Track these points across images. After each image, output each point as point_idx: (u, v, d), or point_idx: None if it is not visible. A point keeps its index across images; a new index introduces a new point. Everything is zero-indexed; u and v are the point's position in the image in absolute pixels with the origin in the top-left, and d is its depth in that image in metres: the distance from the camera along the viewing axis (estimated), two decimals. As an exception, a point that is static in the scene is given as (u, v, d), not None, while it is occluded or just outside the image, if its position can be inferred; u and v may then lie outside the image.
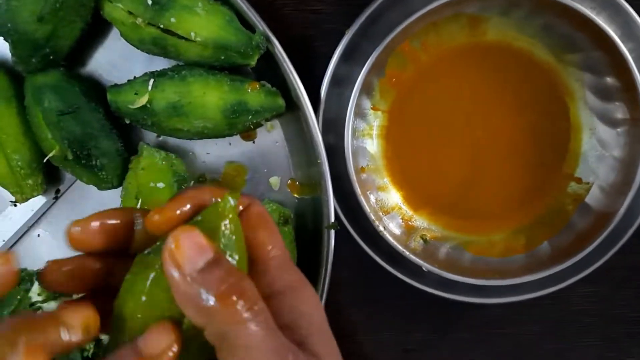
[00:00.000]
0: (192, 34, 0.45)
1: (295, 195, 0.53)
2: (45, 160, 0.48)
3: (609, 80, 0.48)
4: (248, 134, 0.52)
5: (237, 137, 0.52)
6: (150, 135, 0.51)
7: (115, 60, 0.51)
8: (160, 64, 0.49)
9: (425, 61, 0.50)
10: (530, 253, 0.50)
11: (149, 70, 0.49)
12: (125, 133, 0.50)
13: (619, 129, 0.49)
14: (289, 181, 0.53)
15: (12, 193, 0.49)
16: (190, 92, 0.46)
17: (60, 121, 0.46)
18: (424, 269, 0.48)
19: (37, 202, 0.51)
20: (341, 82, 0.50)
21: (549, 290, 0.52)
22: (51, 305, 0.51)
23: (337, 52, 0.49)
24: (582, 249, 0.48)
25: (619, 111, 0.49)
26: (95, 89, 0.50)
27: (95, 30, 0.49)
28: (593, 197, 0.50)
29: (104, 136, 0.47)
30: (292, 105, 0.49)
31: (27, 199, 0.49)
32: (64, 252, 0.53)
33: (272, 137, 0.52)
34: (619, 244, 0.50)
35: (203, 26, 0.45)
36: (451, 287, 0.51)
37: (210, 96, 0.46)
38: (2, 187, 0.48)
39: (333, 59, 0.49)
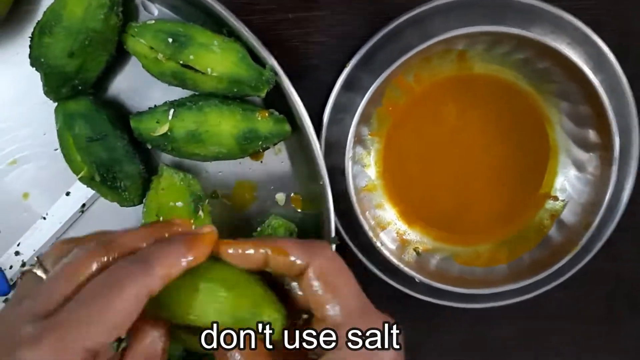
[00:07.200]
0: (209, 70, 0.49)
1: (299, 209, 0.57)
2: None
3: (583, 108, 0.53)
4: (257, 155, 0.56)
5: (247, 158, 0.56)
6: (167, 155, 0.55)
7: (136, 87, 0.54)
8: (178, 91, 0.53)
9: (418, 91, 0.55)
10: (511, 264, 0.55)
11: (167, 97, 0.53)
12: (145, 154, 0.55)
13: (591, 152, 0.54)
14: (292, 195, 0.57)
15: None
16: (207, 121, 0.50)
17: (89, 147, 0.50)
18: (417, 280, 0.53)
19: (65, 215, 0.55)
20: (342, 109, 0.54)
21: (528, 295, 0.57)
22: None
23: (338, 82, 0.54)
24: (557, 261, 0.53)
25: (592, 136, 0.54)
26: (119, 115, 0.53)
27: (118, 59, 0.53)
28: (568, 214, 0.56)
29: (128, 160, 0.51)
30: (297, 129, 0.53)
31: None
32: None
33: (278, 158, 0.56)
34: (590, 255, 0.56)
35: (218, 62, 0.49)
36: (441, 294, 0.56)
37: (224, 125, 0.50)
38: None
39: (335, 88, 0.54)
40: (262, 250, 0.38)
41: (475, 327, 0.62)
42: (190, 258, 0.36)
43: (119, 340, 0.34)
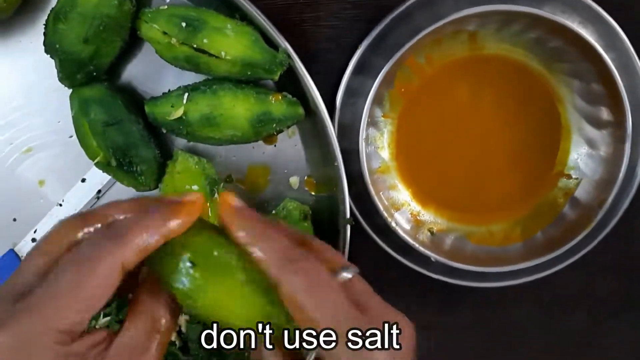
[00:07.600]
0: (223, 53, 0.49)
1: (312, 192, 0.57)
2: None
3: (595, 86, 0.53)
4: (270, 139, 0.57)
5: (260, 142, 0.56)
6: (182, 140, 0.55)
7: (149, 73, 0.55)
8: (191, 76, 0.53)
9: (430, 73, 0.55)
10: (525, 242, 0.56)
11: (180, 82, 0.53)
12: (159, 140, 0.55)
13: (604, 130, 0.54)
14: (305, 178, 0.57)
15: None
16: (221, 104, 0.50)
17: (105, 132, 0.51)
18: (432, 259, 0.53)
19: (81, 201, 0.56)
20: (354, 92, 0.55)
21: (542, 274, 0.57)
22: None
23: (350, 65, 0.54)
24: (572, 238, 0.53)
25: (604, 114, 0.54)
26: (133, 100, 0.54)
27: (131, 45, 0.53)
28: (581, 192, 0.56)
29: (143, 145, 0.52)
30: (310, 113, 0.53)
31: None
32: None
33: (291, 141, 0.57)
34: (604, 233, 0.56)
35: (232, 46, 0.49)
36: (455, 273, 0.56)
37: (239, 108, 0.51)
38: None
39: (347, 71, 0.54)
40: (243, 237, 0.34)
41: (489, 306, 0.62)
42: (170, 226, 0.33)
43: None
